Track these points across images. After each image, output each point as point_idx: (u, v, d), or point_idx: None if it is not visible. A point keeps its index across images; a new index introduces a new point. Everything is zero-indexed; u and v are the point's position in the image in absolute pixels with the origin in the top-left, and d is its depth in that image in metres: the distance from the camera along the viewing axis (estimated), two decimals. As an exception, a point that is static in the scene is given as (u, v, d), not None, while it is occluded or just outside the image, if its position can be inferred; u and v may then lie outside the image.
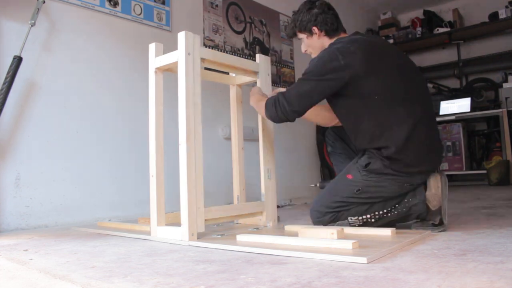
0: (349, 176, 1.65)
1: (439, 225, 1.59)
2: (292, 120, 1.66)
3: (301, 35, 1.85)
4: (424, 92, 1.70)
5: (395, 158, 1.57)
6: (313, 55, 1.82)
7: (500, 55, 5.05)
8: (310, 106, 1.64)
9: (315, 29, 1.79)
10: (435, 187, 1.60)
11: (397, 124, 1.57)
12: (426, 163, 1.62)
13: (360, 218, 1.65)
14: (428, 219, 1.61)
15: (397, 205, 1.64)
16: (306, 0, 1.85)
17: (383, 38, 1.68)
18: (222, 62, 1.84)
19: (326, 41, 1.79)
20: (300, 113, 1.64)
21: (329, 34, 1.79)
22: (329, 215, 1.68)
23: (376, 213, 1.64)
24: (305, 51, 1.89)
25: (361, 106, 1.61)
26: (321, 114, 1.94)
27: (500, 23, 4.91)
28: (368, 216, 1.64)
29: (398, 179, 1.60)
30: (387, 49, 1.71)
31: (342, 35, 1.80)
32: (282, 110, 1.63)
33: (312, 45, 1.83)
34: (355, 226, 1.65)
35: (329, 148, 2.02)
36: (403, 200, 1.63)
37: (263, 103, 1.73)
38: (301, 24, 1.81)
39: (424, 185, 1.63)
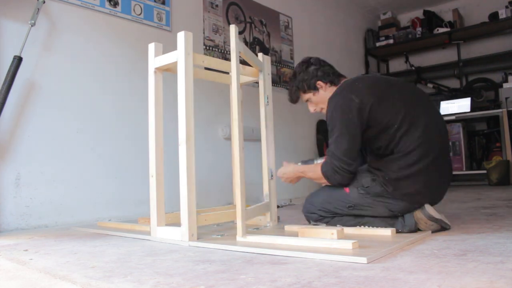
0: (347, 190, 1.66)
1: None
2: (355, 171, 1.65)
3: (307, 96, 1.84)
4: (435, 114, 1.69)
5: (397, 185, 1.55)
6: (324, 111, 1.80)
7: (500, 55, 5.05)
8: (357, 153, 1.65)
9: (320, 83, 1.79)
10: (420, 213, 1.57)
11: (408, 152, 1.55)
12: (428, 197, 1.60)
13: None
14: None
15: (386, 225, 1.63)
16: (299, 63, 1.87)
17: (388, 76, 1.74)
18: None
19: (333, 91, 1.77)
20: (353, 164, 1.63)
21: (334, 83, 1.79)
22: (320, 213, 1.73)
23: (366, 226, 1.64)
24: (315, 110, 1.87)
25: (382, 139, 1.59)
26: None
27: (500, 23, 4.91)
28: (358, 227, 1.65)
29: (392, 206, 1.59)
30: (387, 80, 1.74)
31: (343, 79, 1.81)
32: (344, 171, 1.61)
33: (322, 100, 1.80)
34: None
35: None
36: (394, 223, 1.62)
37: (319, 174, 1.68)
38: (304, 83, 1.81)
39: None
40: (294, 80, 1.85)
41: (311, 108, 1.88)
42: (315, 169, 1.72)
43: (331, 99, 1.68)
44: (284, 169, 1.91)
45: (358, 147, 1.63)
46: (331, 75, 1.79)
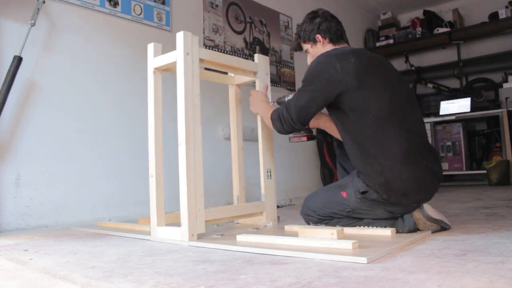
0: (344, 194, 1.64)
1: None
2: (299, 129, 1.72)
3: (306, 46, 1.83)
4: (418, 113, 1.66)
5: (390, 188, 1.51)
6: None
7: (500, 55, 5.05)
8: (311, 116, 1.65)
9: (318, 36, 1.76)
10: (419, 213, 1.56)
11: (393, 148, 1.50)
12: (423, 192, 1.55)
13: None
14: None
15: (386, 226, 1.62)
16: (308, 12, 1.84)
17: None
18: (220, 63, 1.84)
19: (331, 49, 1.75)
20: (303, 123, 1.66)
21: (333, 41, 1.76)
22: (319, 216, 1.73)
23: (365, 226, 1.63)
24: (311, 63, 1.83)
25: (357, 122, 1.54)
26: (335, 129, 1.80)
27: (500, 23, 4.91)
28: (357, 227, 1.64)
29: (391, 209, 1.57)
30: (386, 65, 1.67)
31: (343, 43, 1.78)
32: (287, 124, 1.67)
33: (317, 53, 1.75)
34: None
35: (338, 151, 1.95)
36: (394, 223, 1.61)
37: (268, 115, 1.78)
38: (304, 33, 1.80)
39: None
40: (297, 28, 1.86)
41: (308, 60, 1.86)
42: (268, 108, 1.81)
43: (317, 56, 1.66)
44: (254, 97, 1.95)
45: (312, 112, 1.62)
46: (333, 32, 1.76)
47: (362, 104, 1.52)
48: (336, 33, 1.77)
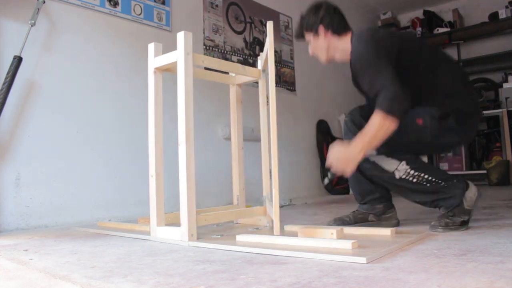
0: (419, 121, 1.61)
1: (466, 224, 1.62)
2: (405, 92, 1.49)
3: (307, 36, 1.85)
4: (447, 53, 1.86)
5: (465, 112, 1.64)
6: (320, 57, 1.85)
7: (500, 55, 5.05)
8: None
9: (321, 27, 1.79)
10: (472, 192, 1.66)
11: (452, 75, 1.69)
12: (479, 112, 1.80)
13: (412, 172, 1.62)
14: (457, 215, 1.62)
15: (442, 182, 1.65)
16: (312, 3, 1.86)
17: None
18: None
19: (334, 41, 1.80)
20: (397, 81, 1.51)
21: (337, 32, 1.80)
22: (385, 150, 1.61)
23: (428, 177, 1.63)
24: (312, 53, 1.89)
25: (416, 67, 1.66)
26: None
27: (500, 23, 4.91)
28: (417, 174, 1.62)
29: (459, 136, 1.68)
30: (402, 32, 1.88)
31: (350, 32, 1.82)
32: (390, 93, 1.47)
33: (319, 45, 1.82)
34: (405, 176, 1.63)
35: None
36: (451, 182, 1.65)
37: (379, 120, 1.47)
38: (307, 24, 1.83)
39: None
40: (301, 18, 1.87)
41: (310, 51, 1.89)
42: (371, 124, 1.48)
43: (356, 48, 1.65)
44: (336, 153, 1.54)
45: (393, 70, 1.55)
46: (335, 25, 1.79)
47: (414, 50, 1.68)
48: (339, 25, 1.80)
